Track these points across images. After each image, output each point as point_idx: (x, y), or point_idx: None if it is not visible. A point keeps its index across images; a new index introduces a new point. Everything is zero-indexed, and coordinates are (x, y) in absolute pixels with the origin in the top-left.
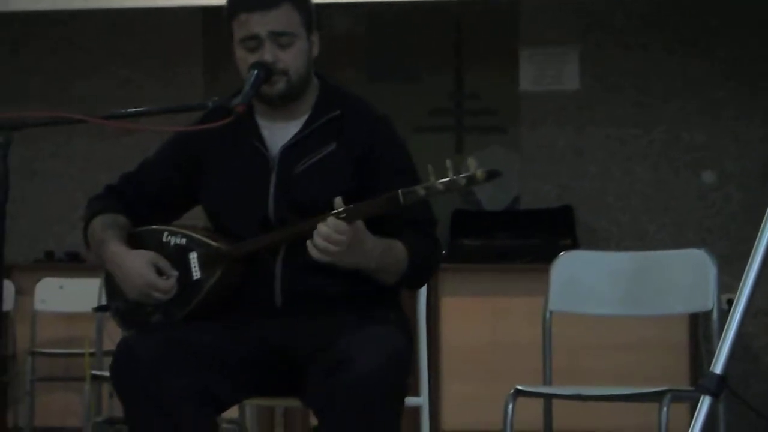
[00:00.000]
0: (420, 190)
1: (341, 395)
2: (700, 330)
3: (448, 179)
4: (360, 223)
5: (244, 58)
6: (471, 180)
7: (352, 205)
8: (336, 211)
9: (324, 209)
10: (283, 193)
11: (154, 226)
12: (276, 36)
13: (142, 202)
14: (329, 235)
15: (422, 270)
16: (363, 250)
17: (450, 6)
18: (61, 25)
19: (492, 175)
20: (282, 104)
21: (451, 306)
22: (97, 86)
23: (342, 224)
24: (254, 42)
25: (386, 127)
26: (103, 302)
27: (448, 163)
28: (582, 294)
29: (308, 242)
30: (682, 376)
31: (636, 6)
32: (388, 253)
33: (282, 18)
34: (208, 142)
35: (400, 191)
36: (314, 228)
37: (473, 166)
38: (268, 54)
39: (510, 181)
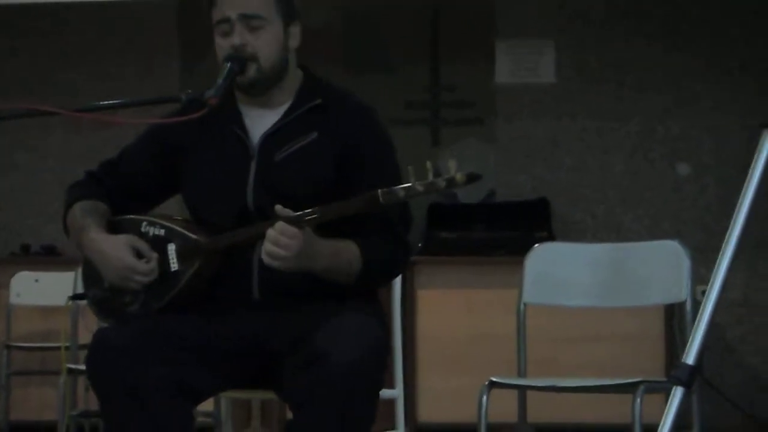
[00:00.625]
0: (400, 192)
1: (317, 388)
2: (676, 321)
3: (427, 181)
4: (309, 229)
5: (219, 43)
6: (450, 182)
7: (330, 204)
8: (308, 210)
9: (303, 198)
10: (263, 181)
11: (133, 216)
12: (246, 19)
13: (121, 189)
14: (277, 240)
15: (378, 273)
16: (310, 254)
17: None
18: (38, 18)
19: (472, 178)
20: (255, 93)
21: (427, 298)
22: (73, 79)
23: (291, 229)
24: (226, 25)
25: (370, 118)
26: (78, 292)
27: (428, 164)
28: (556, 286)
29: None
30: (658, 368)
31: None
32: (337, 257)
33: (254, 1)
34: (190, 131)
35: (379, 191)
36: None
37: (453, 168)
38: (237, 37)
39: (486, 174)
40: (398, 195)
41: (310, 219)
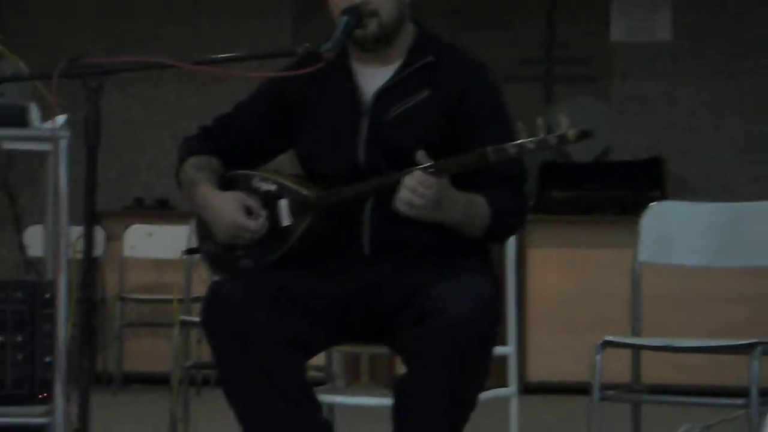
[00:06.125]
0: (510, 148)
1: (432, 343)
2: None
3: (539, 138)
4: (445, 179)
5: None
6: (562, 139)
7: (441, 160)
8: (425, 165)
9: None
10: (375, 138)
11: (245, 171)
12: None
13: (234, 144)
14: (415, 188)
15: (505, 226)
16: (447, 205)
17: None
18: None
19: (583, 135)
20: (375, 48)
21: (539, 257)
22: (185, 34)
23: (429, 178)
24: None
25: (482, 74)
26: (192, 246)
27: (540, 121)
28: (672, 245)
29: (396, 195)
30: None
31: None
32: (471, 209)
33: None
34: (303, 86)
35: (489, 148)
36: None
37: (565, 124)
38: None
39: (600, 133)
40: (509, 152)
41: (434, 171)
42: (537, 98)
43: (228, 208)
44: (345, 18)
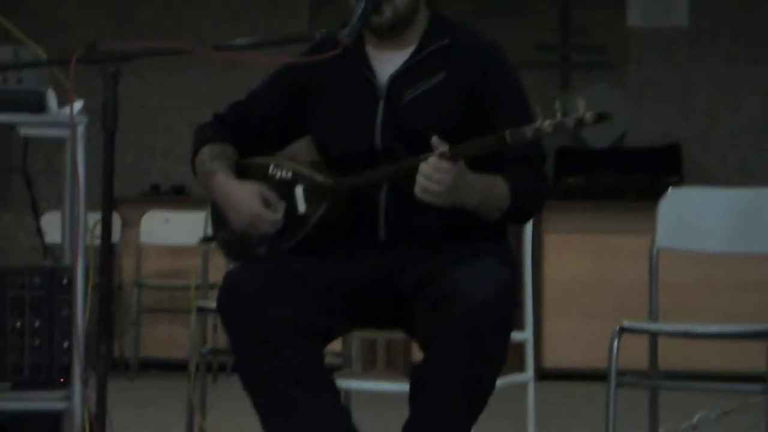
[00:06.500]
0: (528, 131)
1: (450, 327)
2: None
3: (556, 121)
4: (461, 163)
5: None
6: (579, 122)
7: (457, 145)
8: (441, 150)
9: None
10: (391, 121)
11: (260, 159)
12: None
13: (249, 131)
14: (430, 175)
15: (526, 206)
16: (465, 189)
17: None
18: None
19: (601, 117)
20: (390, 34)
21: (554, 243)
22: (201, 18)
23: (444, 164)
24: None
25: (497, 56)
26: (209, 234)
27: (557, 104)
28: (690, 231)
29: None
30: None
31: None
32: (489, 191)
33: None
34: (317, 72)
35: (507, 132)
36: (418, 165)
37: (582, 107)
38: None
39: (616, 118)
40: (526, 135)
41: (450, 156)
42: (553, 85)
43: (246, 198)
44: (362, 3)
